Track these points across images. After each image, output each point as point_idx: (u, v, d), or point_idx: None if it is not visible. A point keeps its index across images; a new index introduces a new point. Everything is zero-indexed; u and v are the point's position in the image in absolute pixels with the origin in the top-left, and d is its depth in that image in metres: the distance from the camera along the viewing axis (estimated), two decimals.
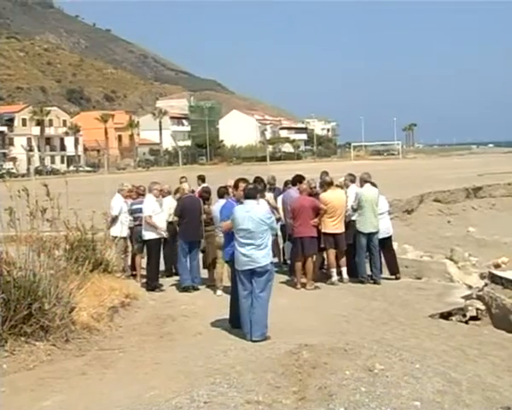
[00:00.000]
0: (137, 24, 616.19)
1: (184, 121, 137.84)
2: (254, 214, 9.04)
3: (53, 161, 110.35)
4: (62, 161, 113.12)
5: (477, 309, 11.01)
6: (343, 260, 13.40)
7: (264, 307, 8.97)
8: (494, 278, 10.90)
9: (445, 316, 10.84)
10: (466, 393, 6.23)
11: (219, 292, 12.17)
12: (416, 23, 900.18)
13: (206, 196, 13.21)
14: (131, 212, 13.63)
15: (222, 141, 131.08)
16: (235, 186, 10.26)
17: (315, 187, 13.88)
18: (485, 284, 11.21)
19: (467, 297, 11.85)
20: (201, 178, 15.88)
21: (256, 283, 8.97)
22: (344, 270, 13.38)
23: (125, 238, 13.79)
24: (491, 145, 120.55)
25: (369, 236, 13.33)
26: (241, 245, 9.01)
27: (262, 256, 8.98)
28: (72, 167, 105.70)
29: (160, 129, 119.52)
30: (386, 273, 14.02)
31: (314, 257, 13.00)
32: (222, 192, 12.24)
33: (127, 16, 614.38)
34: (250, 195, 9.32)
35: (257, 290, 8.96)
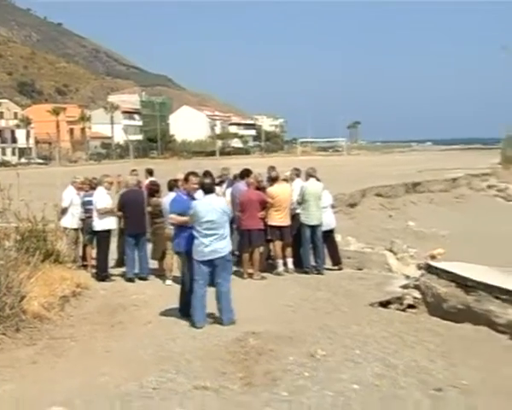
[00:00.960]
0: (90, 18, 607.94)
1: (136, 116, 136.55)
2: (217, 206, 9.31)
3: (4, 153, 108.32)
4: (13, 154, 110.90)
5: (414, 298, 11.22)
6: (289, 252, 13.50)
7: (228, 294, 9.28)
8: (430, 269, 11.09)
9: (385, 304, 11.02)
10: (402, 376, 6.37)
11: (169, 282, 12.18)
12: (359, 22, 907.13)
13: (155, 188, 13.23)
14: (83, 204, 13.51)
15: (173, 136, 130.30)
16: (185, 180, 10.29)
17: (262, 181, 13.96)
18: (422, 275, 11.40)
19: (405, 287, 12.06)
20: (149, 172, 15.87)
21: (218, 272, 9.22)
22: (289, 261, 13.49)
23: (76, 229, 13.67)
24: (429, 143, 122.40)
25: (313, 228, 13.49)
26: (203, 236, 9.14)
27: (224, 246, 9.28)
28: (23, 160, 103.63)
29: (112, 123, 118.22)
30: (329, 264, 14.19)
31: (261, 248, 13.10)
32: (172, 185, 12.23)
33: (79, 10, 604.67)
34: (209, 189, 9.60)
35: (220, 279, 9.23)
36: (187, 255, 9.60)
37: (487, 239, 28.35)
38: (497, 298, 9.08)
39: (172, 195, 11.38)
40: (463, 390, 5.98)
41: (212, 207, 9.24)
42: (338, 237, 15.44)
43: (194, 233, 9.26)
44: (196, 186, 10.04)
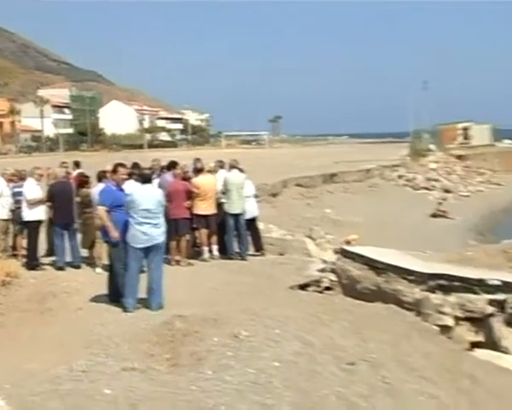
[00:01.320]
0: (19, 14, 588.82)
1: (66, 110, 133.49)
2: (154, 196, 9.47)
3: None
4: None
5: (330, 280, 11.43)
6: (214, 239, 13.56)
7: (160, 280, 9.35)
8: (345, 253, 11.29)
9: (304, 287, 11.19)
10: (318, 353, 6.49)
11: (99, 270, 12.03)
12: (280, 20, 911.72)
13: (84, 179, 13.06)
14: (13, 195, 13.17)
15: (102, 129, 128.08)
16: (114, 171, 10.27)
17: (188, 172, 13.96)
18: (338, 259, 11.62)
19: (322, 270, 12.28)
20: (76, 164, 15.67)
21: (152, 258, 9.31)
22: (214, 248, 13.56)
23: (6, 220, 13.31)
24: (345, 137, 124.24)
25: (236, 217, 13.59)
26: (140, 224, 9.18)
27: (159, 234, 9.39)
28: None
29: (42, 117, 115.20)
30: (252, 251, 14.30)
31: (187, 236, 13.12)
32: (101, 176, 12.14)
33: (8, 6, 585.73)
34: (147, 179, 9.74)
35: (153, 265, 9.34)
36: (117, 244, 9.57)
37: (397, 225, 29.19)
38: (404, 279, 9.35)
39: (101, 185, 11.28)
40: (373, 363, 6.14)
41: (149, 197, 9.35)
42: (261, 225, 15.56)
43: (130, 220, 9.26)
44: (125, 177, 10.13)
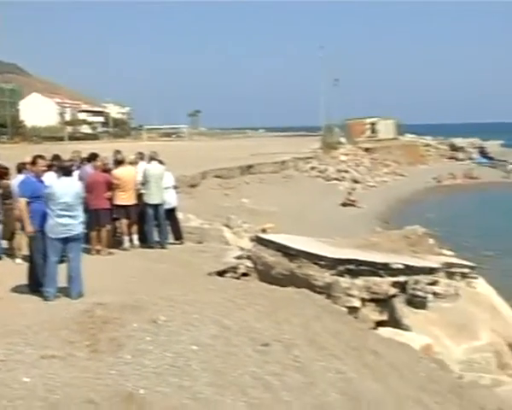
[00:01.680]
0: None
1: None
2: (73, 189, 9.33)
3: None
4: None
5: (247, 267, 11.55)
6: (134, 229, 13.46)
7: (79, 269, 9.25)
8: (260, 241, 11.44)
9: (221, 273, 11.25)
10: (234, 335, 6.52)
11: (19, 260, 11.69)
12: (200, 17, 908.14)
13: (3, 171, 12.62)
14: None
15: (22, 121, 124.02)
16: (33, 163, 10.04)
17: (108, 164, 13.76)
18: (253, 246, 11.74)
19: (239, 257, 12.38)
20: None
21: (71, 248, 9.21)
22: (135, 237, 13.46)
23: None
24: (262, 130, 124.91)
25: (156, 207, 13.52)
26: (59, 216, 9.06)
27: (77, 225, 9.31)
28: None
29: None
30: (172, 239, 14.24)
31: (108, 226, 12.94)
32: (20, 168, 11.80)
33: None
34: (67, 171, 9.69)
35: (72, 255, 9.23)
36: (37, 234, 9.36)
37: (310, 214, 29.67)
38: (315, 264, 9.56)
39: (21, 177, 10.98)
40: (286, 344, 6.23)
41: (68, 190, 9.22)
42: (180, 215, 15.51)
43: (49, 212, 9.12)
44: (44, 169, 9.95)
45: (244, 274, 11.38)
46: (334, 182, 43.60)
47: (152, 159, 13.90)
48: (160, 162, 14.05)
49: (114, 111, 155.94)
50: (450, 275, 10.39)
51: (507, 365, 9.09)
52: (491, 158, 64.95)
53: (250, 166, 37.48)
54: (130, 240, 13.33)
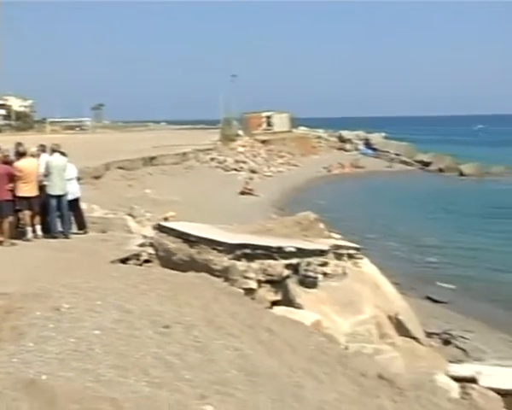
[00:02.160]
0: None
1: None
2: None
3: None
4: None
5: (149, 254, 11.43)
6: (37, 220, 13.03)
7: None
8: (162, 229, 11.35)
9: (124, 261, 11.08)
10: (137, 319, 6.45)
11: None
12: (104, 11, 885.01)
13: None
14: None
15: None
16: None
17: (9, 156, 13.23)
18: (156, 234, 11.63)
19: (142, 245, 12.23)
20: None
21: None
22: (38, 228, 13.03)
23: None
24: (163, 123, 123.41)
25: (59, 198, 13.14)
26: None
27: None
28: None
29: None
30: (75, 229, 13.88)
31: (10, 218, 12.47)
32: None
33: None
34: None
35: None
36: None
37: (211, 203, 29.72)
38: (214, 249, 9.59)
39: None
40: (186, 325, 6.23)
41: None
42: (84, 205, 15.14)
43: None
44: None
45: (146, 261, 11.25)
46: (233, 172, 43.82)
47: (54, 151, 13.50)
48: (63, 154, 13.67)
49: (16, 104, 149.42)
50: (339, 256, 10.72)
51: (386, 335, 9.53)
52: (375, 149, 67.27)
53: (152, 158, 37.04)
54: (34, 231, 12.89)
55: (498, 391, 7.22)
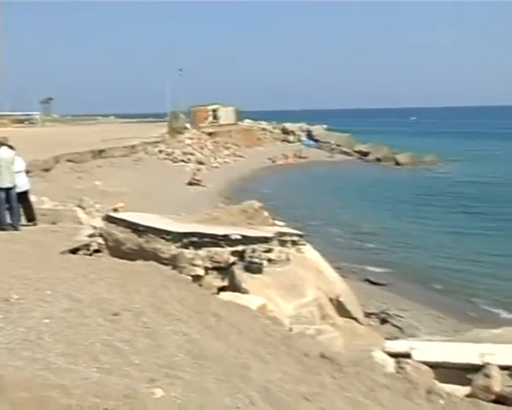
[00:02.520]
0: None
1: None
2: None
3: None
4: None
5: (99, 244, 11.26)
6: None
7: None
8: (111, 219, 11.21)
9: (74, 251, 10.87)
10: (87, 308, 6.34)
11: None
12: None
13: None
14: None
15: None
16: None
17: None
18: (105, 224, 11.46)
19: (91, 235, 12.02)
20: None
21: None
22: None
23: None
24: (112, 117, 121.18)
25: (8, 190, 12.76)
26: None
27: None
28: None
29: None
30: (25, 221, 13.53)
31: None
32: None
33: None
34: None
35: None
36: None
37: (159, 193, 29.47)
38: (162, 238, 9.53)
39: None
40: (135, 312, 6.16)
41: None
42: (33, 198, 14.75)
43: None
44: None
45: (96, 251, 11.08)
46: (181, 164, 43.51)
47: (2, 144, 13.05)
48: (11, 147, 13.24)
49: None
50: (283, 243, 10.80)
51: (328, 316, 9.67)
52: (317, 140, 67.97)
53: (101, 151, 36.40)
54: None
55: (429, 364, 7.42)
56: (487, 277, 18.87)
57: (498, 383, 6.90)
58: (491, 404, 6.38)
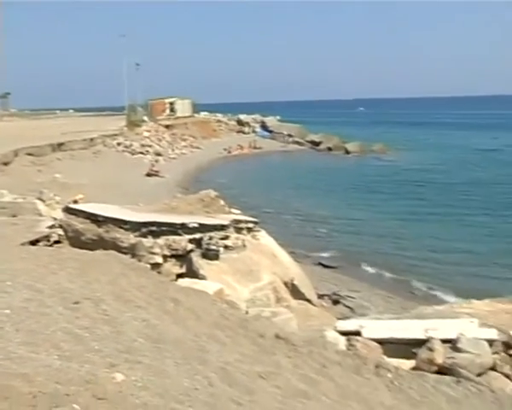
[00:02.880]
0: None
1: None
2: None
3: None
4: None
5: (59, 235, 11.05)
6: None
7: None
8: (71, 211, 11.01)
9: (34, 243, 10.64)
10: (47, 297, 6.22)
11: None
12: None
13: None
14: None
15: None
16: None
17: None
18: (64, 216, 11.25)
19: (51, 227, 11.79)
20: None
21: None
22: None
23: None
24: (71, 111, 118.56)
25: None
26: None
27: None
28: None
29: None
30: None
31: None
32: None
33: None
34: None
35: None
36: None
37: (119, 184, 29.08)
38: (121, 228, 9.42)
39: None
40: (95, 300, 6.07)
41: None
42: None
43: None
44: None
45: (56, 242, 10.87)
46: (139, 155, 43.00)
47: None
48: None
49: None
50: (238, 230, 10.82)
51: (282, 298, 9.75)
52: (270, 131, 68.08)
53: (61, 144, 35.68)
54: None
55: (378, 340, 7.56)
56: (431, 259, 19.39)
57: (441, 356, 7.09)
58: (434, 375, 6.55)
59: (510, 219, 25.40)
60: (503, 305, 9.26)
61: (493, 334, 7.59)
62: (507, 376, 7.06)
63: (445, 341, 7.38)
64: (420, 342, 7.44)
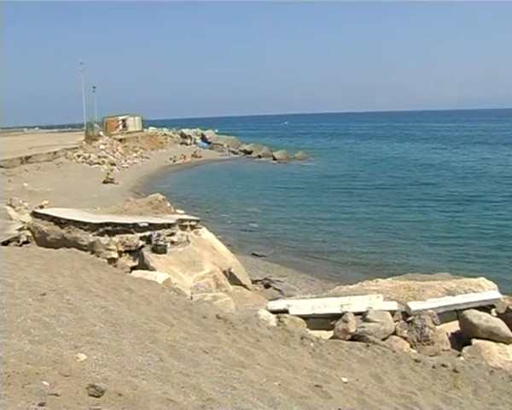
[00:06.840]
0: None
1: None
2: None
3: None
4: None
5: (27, 236, 10.66)
6: None
7: None
8: (37, 215, 10.66)
9: (5, 243, 10.23)
10: (18, 290, 6.00)
11: None
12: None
13: None
14: None
15: None
16: None
17: None
18: (32, 219, 10.88)
19: (20, 229, 11.36)
20: None
21: None
22: None
23: None
24: (37, 128, 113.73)
25: None
26: None
27: None
28: None
29: None
30: None
31: None
32: None
33: None
34: None
35: None
36: None
37: (79, 191, 28.27)
38: (81, 228, 9.21)
39: None
40: (60, 292, 5.89)
41: None
42: None
43: None
44: None
45: (25, 242, 10.48)
46: (97, 165, 41.89)
47: None
48: None
49: None
50: (183, 227, 10.79)
51: (222, 285, 9.79)
52: (209, 142, 67.83)
53: (28, 157, 34.34)
54: None
55: (303, 316, 7.73)
56: (347, 245, 19.89)
57: (353, 326, 7.32)
58: (348, 342, 6.78)
59: (402, 210, 26.53)
60: (401, 281, 9.62)
61: (394, 306, 7.91)
62: (404, 338, 7.39)
63: (356, 313, 7.62)
64: (337, 316, 7.65)
